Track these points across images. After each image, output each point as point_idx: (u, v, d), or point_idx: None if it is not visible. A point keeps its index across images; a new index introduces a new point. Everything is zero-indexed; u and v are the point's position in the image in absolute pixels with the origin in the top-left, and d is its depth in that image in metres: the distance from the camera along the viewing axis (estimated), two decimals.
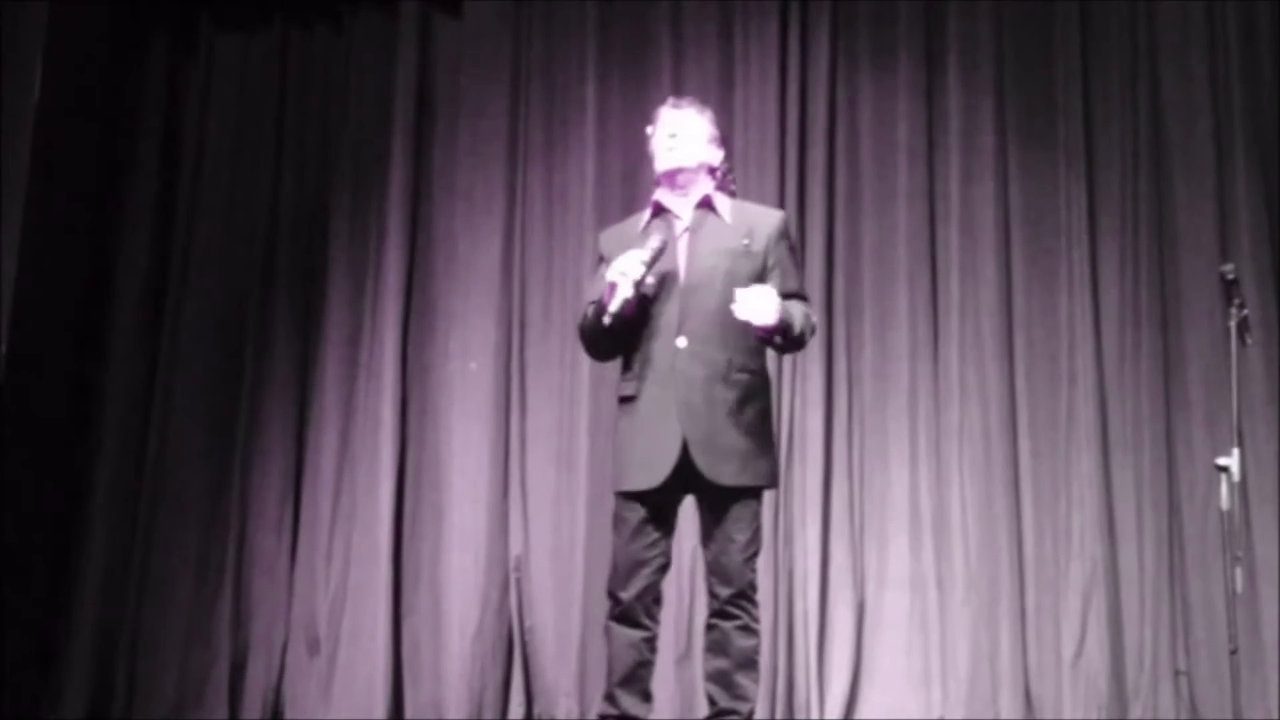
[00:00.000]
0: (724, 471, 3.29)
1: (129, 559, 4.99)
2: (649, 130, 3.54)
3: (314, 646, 4.88)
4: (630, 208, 4.97)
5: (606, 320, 3.29)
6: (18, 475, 4.77)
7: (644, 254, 3.30)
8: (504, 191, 5.13)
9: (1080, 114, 4.92)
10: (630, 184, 5.02)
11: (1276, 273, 4.73)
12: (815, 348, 4.83)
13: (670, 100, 3.59)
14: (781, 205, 4.91)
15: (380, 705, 4.74)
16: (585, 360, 4.83)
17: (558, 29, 5.20)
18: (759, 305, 3.23)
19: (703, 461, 3.27)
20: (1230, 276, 3.87)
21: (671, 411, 3.28)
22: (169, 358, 5.13)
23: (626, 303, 3.26)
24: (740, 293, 3.25)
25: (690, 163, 3.45)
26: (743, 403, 3.33)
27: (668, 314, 3.34)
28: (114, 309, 5.20)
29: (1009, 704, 4.59)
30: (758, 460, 3.35)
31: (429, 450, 5.00)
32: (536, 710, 4.78)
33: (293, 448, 5.07)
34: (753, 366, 3.39)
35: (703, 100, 3.68)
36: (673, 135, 3.45)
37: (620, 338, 3.39)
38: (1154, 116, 4.89)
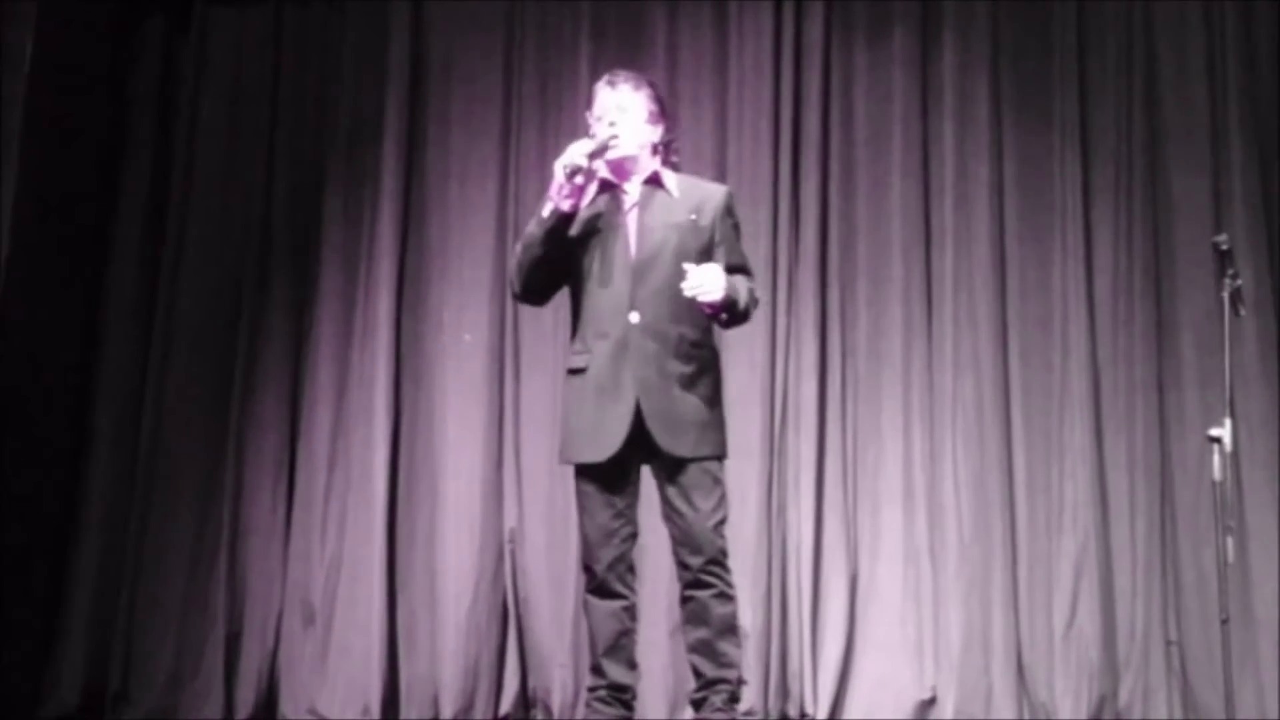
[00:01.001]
0: (681, 444, 3.33)
1: (125, 531, 4.98)
2: (588, 115, 3.54)
3: (309, 618, 4.89)
4: None
5: (546, 211, 3.33)
6: (12, 451, 4.78)
7: (588, 141, 3.36)
8: (498, 164, 5.12)
9: (1075, 87, 4.92)
10: None
11: (1270, 243, 4.75)
12: (809, 320, 4.85)
13: (605, 78, 3.56)
14: (775, 178, 4.95)
15: (375, 676, 4.75)
16: None
17: (551, 1, 5.19)
18: (706, 282, 3.25)
19: (661, 436, 3.31)
20: (1224, 247, 3.88)
21: (627, 386, 3.31)
22: (164, 333, 5.12)
23: (580, 168, 3.29)
24: (689, 269, 3.26)
25: (632, 151, 3.47)
26: (696, 376, 3.38)
27: (619, 289, 3.36)
28: (109, 284, 5.19)
29: (1001, 675, 4.62)
30: (714, 431, 3.40)
31: (423, 423, 5.00)
32: (531, 681, 4.79)
33: (287, 420, 5.06)
34: (703, 340, 3.43)
35: (638, 72, 3.69)
36: (611, 124, 3.44)
37: (553, 262, 3.39)
38: (1148, 89, 4.90)
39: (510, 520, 4.89)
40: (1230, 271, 3.85)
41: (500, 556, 4.87)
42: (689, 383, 3.36)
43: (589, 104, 3.56)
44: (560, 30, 5.16)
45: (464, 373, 5.00)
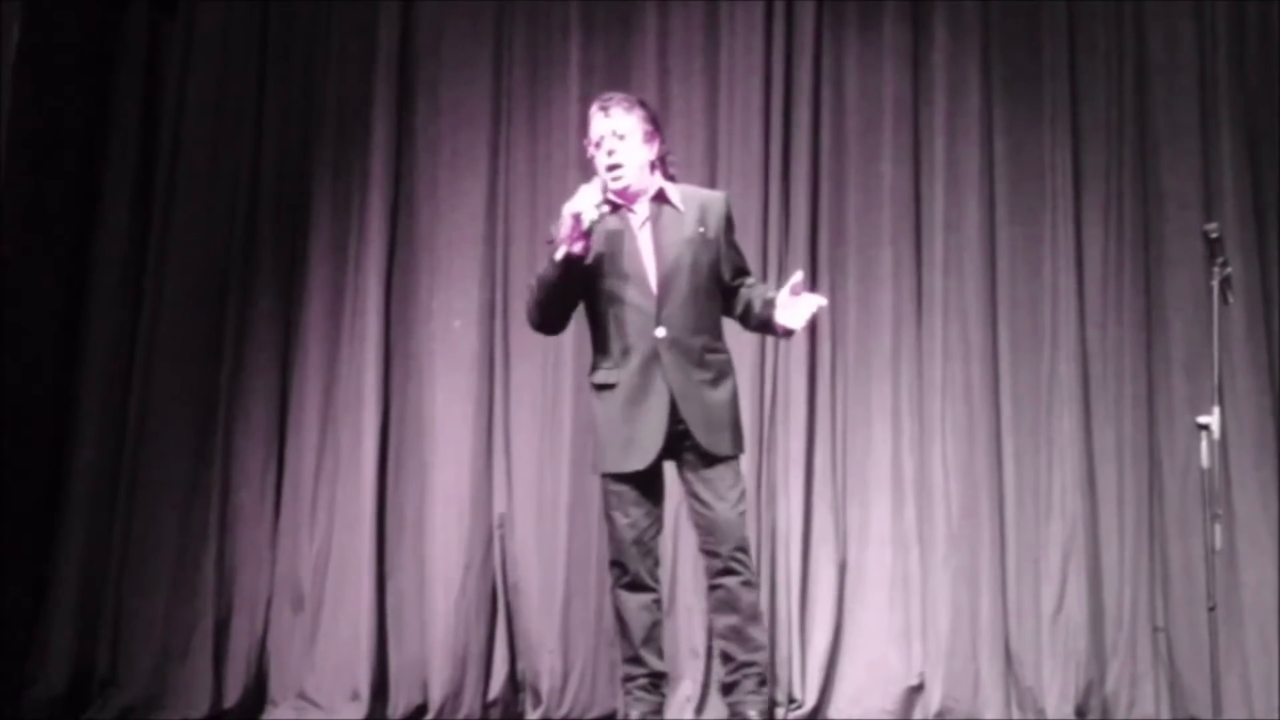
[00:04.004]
0: (721, 443, 3.50)
1: (113, 517, 4.96)
2: (585, 142, 3.62)
3: (298, 604, 4.89)
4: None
5: (559, 255, 3.40)
6: (0, 436, 4.76)
7: (596, 188, 3.42)
8: (487, 150, 5.10)
9: (1066, 76, 4.93)
10: None
11: (1259, 232, 4.76)
12: None
13: (597, 103, 3.63)
14: (766, 165, 4.96)
15: (364, 662, 4.76)
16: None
17: None
18: (804, 312, 3.46)
19: (703, 437, 3.47)
20: (1214, 235, 3.88)
21: (660, 395, 3.46)
22: (151, 318, 5.08)
23: (594, 222, 3.37)
24: (785, 302, 3.45)
25: (635, 177, 3.56)
26: (717, 380, 3.54)
27: (643, 307, 3.49)
28: (96, 270, 5.15)
29: (988, 661, 4.64)
30: (739, 429, 3.59)
31: (412, 409, 5.00)
32: (520, 666, 4.81)
33: (276, 406, 5.05)
34: (720, 346, 3.60)
35: (625, 93, 3.76)
36: (610, 154, 3.53)
37: (568, 296, 3.52)
38: (1139, 76, 4.91)
39: (499, 506, 4.89)
40: (1219, 260, 3.86)
41: (489, 543, 4.88)
42: (713, 385, 3.52)
43: (582, 129, 3.63)
44: (550, 19, 5.13)
45: (453, 359, 4.99)
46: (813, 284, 4.86)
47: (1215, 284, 3.85)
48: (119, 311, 5.12)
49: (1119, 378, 4.77)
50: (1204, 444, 3.79)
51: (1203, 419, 3.81)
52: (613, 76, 5.04)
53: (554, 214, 4.92)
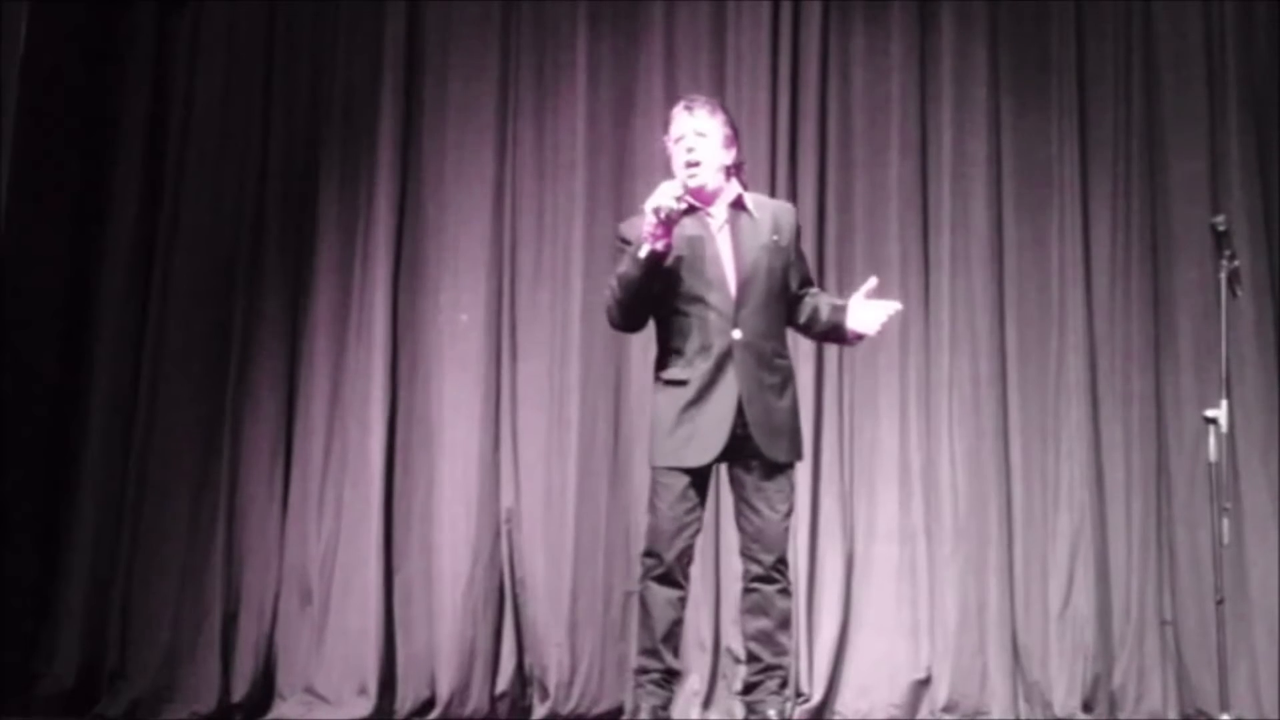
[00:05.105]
0: (779, 449, 3.54)
1: (121, 512, 4.97)
2: (665, 139, 3.64)
3: (306, 598, 4.89)
4: (621, 161, 5.01)
5: (643, 253, 3.42)
6: (8, 431, 4.77)
7: (675, 183, 3.44)
8: (494, 144, 5.10)
9: (1074, 67, 4.93)
10: (622, 135, 5.02)
11: (1267, 224, 4.77)
12: None
13: (682, 102, 3.67)
14: (773, 162, 4.96)
15: (372, 655, 4.76)
16: (576, 314, 4.90)
17: None
18: (879, 317, 3.57)
19: (762, 441, 3.50)
20: (1221, 228, 3.89)
21: (730, 396, 3.49)
22: (158, 312, 5.10)
23: (673, 212, 3.38)
24: (857, 306, 3.58)
25: (711, 177, 3.60)
26: (783, 386, 3.59)
27: (722, 308, 3.52)
28: (103, 264, 5.16)
29: (996, 654, 4.65)
30: (799, 437, 3.64)
31: (420, 403, 5.00)
32: (527, 660, 4.81)
33: (283, 400, 5.05)
34: (786, 352, 3.66)
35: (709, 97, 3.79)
36: (690, 150, 3.57)
37: (650, 295, 3.51)
38: (1147, 68, 4.91)
39: (507, 500, 4.90)
40: (1227, 252, 3.86)
41: (497, 537, 4.88)
42: (779, 392, 3.57)
43: (664, 128, 3.66)
44: (557, 17, 5.13)
45: (461, 353, 4.99)
46: (820, 276, 4.88)
47: (1223, 277, 3.86)
48: (127, 307, 5.13)
49: (1126, 371, 4.77)
50: (1211, 437, 3.80)
51: (1210, 412, 3.82)
52: (620, 74, 5.06)
53: (559, 209, 5.01)
